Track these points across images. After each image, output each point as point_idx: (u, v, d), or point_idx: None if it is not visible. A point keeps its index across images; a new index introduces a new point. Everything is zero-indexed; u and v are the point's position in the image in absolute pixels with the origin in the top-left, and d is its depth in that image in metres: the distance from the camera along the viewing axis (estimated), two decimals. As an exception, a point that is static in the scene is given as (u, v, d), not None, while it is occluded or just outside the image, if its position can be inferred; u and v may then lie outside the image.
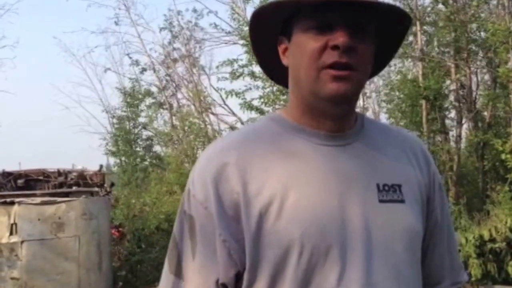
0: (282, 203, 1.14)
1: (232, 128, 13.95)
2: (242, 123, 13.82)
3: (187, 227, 1.23)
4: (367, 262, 1.14)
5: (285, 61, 1.24)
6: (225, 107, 13.86)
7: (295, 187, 1.15)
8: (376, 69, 1.30)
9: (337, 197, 1.16)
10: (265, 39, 1.27)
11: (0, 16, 14.74)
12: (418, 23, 10.46)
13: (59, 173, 8.29)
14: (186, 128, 14.27)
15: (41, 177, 8.06)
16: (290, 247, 1.12)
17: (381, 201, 1.19)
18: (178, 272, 1.23)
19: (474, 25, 10.61)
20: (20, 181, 7.73)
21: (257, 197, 1.15)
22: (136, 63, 15.20)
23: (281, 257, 1.13)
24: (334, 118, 1.21)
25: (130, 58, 15.39)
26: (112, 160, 15.70)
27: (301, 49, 1.17)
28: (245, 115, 13.35)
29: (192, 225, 1.22)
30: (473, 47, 10.86)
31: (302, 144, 1.20)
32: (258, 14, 1.22)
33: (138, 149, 15.63)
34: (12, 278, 6.73)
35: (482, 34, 10.48)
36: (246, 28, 12.56)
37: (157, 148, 15.96)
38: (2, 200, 7.00)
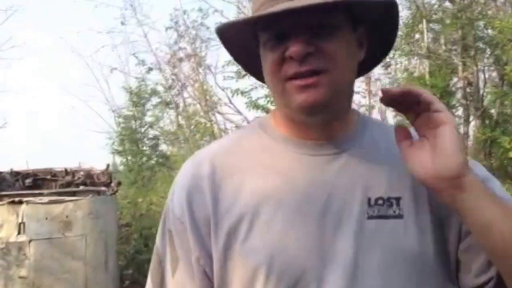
0: (252, 223, 1.07)
1: (238, 127, 13.95)
2: (248, 122, 13.81)
3: (168, 242, 1.20)
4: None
5: (264, 74, 1.15)
6: (231, 106, 13.87)
7: (269, 205, 1.07)
8: (376, 61, 1.22)
9: (316, 216, 1.06)
10: (241, 50, 1.19)
11: (8, 18, 14.79)
12: (424, 20, 10.43)
13: (66, 172, 8.33)
14: (192, 127, 14.27)
15: (48, 176, 8.10)
16: (256, 272, 1.05)
17: (370, 217, 1.05)
18: (163, 285, 1.20)
19: (481, 23, 10.54)
20: (28, 180, 7.77)
21: (226, 215, 1.10)
22: (142, 62, 15.22)
23: (248, 281, 1.06)
24: (316, 127, 1.11)
25: (136, 57, 15.44)
26: (118, 159, 15.74)
27: (264, 63, 1.10)
28: (251, 113, 13.32)
29: (171, 240, 1.19)
30: (481, 45, 10.79)
31: (287, 156, 1.12)
32: (222, 35, 1.13)
33: (144, 148, 15.65)
34: (20, 277, 6.77)
35: (490, 31, 10.42)
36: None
37: (163, 147, 15.98)
38: (10, 199, 7.04)
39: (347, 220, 1.05)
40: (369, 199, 1.06)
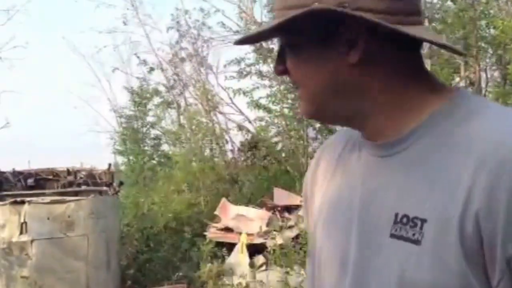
0: (318, 218, 1.15)
1: (240, 127, 13.95)
2: (250, 122, 13.81)
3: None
4: None
5: None
6: (233, 105, 13.86)
7: (328, 203, 1.13)
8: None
9: (345, 224, 1.05)
10: None
11: (10, 17, 14.78)
12: (426, 20, 10.43)
13: (68, 172, 8.34)
14: (193, 127, 14.27)
15: (50, 176, 8.11)
16: (313, 258, 1.16)
17: (392, 235, 0.95)
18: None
19: (483, 22, 10.55)
20: (30, 181, 7.78)
21: (315, 203, 1.19)
22: (144, 62, 15.21)
23: (317, 267, 1.15)
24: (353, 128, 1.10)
25: (138, 57, 15.38)
26: (120, 159, 15.74)
27: None
28: (253, 113, 13.32)
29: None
30: (483, 44, 10.80)
31: (356, 155, 1.10)
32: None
33: (146, 148, 15.65)
34: (22, 277, 6.78)
35: (492, 31, 10.43)
36: (254, 27, 12.55)
37: (165, 147, 15.96)
38: (13, 199, 7.05)
39: (369, 235, 1.00)
40: (396, 214, 0.96)
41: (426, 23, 10.55)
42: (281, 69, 1.07)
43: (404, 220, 0.94)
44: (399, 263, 0.94)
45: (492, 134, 0.90)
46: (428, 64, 11.09)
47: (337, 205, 1.09)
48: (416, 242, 0.91)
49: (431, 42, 1.00)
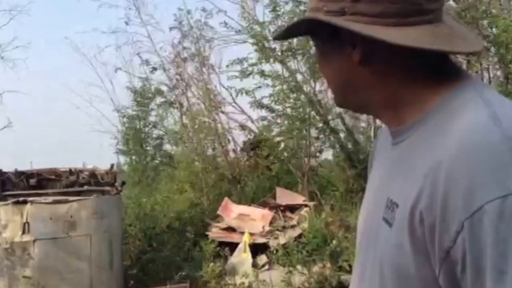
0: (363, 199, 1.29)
1: (242, 126, 13.94)
2: (252, 122, 13.80)
3: None
4: (362, 282, 1.17)
5: None
6: (235, 105, 13.86)
7: (368, 187, 1.29)
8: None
9: (366, 210, 1.23)
10: None
11: (12, 17, 14.81)
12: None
13: (70, 172, 8.34)
14: (196, 126, 14.27)
15: (53, 176, 8.12)
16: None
17: (383, 218, 1.07)
18: None
19: (485, 22, 10.53)
20: (32, 180, 7.78)
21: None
22: (146, 62, 15.22)
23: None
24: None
25: (140, 57, 15.38)
26: (122, 159, 15.73)
27: None
28: (255, 113, 13.31)
29: None
30: (485, 44, 10.77)
31: (387, 142, 1.22)
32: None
33: (148, 148, 15.65)
34: (25, 277, 6.78)
35: (494, 30, 10.40)
36: (256, 27, 12.54)
37: (167, 147, 15.95)
38: (15, 199, 7.06)
39: (377, 217, 1.12)
40: (387, 199, 1.08)
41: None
42: (319, 63, 1.23)
43: (389, 204, 1.05)
44: (381, 243, 1.06)
45: (459, 133, 0.95)
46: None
47: (368, 193, 1.26)
48: (390, 224, 1.03)
49: (410, 47, 1.02)
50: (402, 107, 1.10)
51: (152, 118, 15.73)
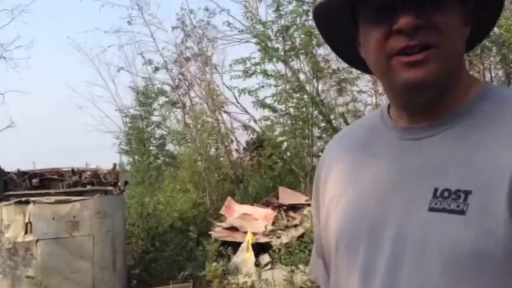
0: (339, 199, 1.17)
1: (245, 126, 13.95)
2: (255, 121, 13.81)
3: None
4: (387, 277, 1.03)
5: (362, 53, 1.11)
6: (238, 105, 13.87)
7: (352, 184, 1.15)
8: (480, 35, 1.16)
9: (380, 201, 1.07)
10: (337, 33, 1.16)
11: (14, 17, 14.85)
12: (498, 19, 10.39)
13: (73, 172, 8.36)
14: (199, 126, 14.30)
15: (55, 176, 8.13)
16: (333, 241, 1.16)
17: (431, 209, 0.99)
18: (316, 248, 1.32)
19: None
20: (34, 180, 7.80)
21: (330, 189, 1.21)
22: (149, 62, 15.25)
23: (333, 248, 1.17)
24: (413, 109, 1.08)
25: (143, 57, 15.43)
26: (125, 159, 15.76)
27: (367, 40, 1.05)
28: (258, 113, 13.32)
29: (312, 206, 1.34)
30: (487, 43, 10.74)
31: (381, 139, 1.14)
32: (319, 12, 1.12)
33: (151, 147, 15.67)
34: (28, 277, 6.80)
35: (496, 30, 10.38)
36: (259, 27, 12.55)
37: (170, 147, 15.98)
38: (17, 199, 7.08)
39: (406, 209, 1.03)
40: (435, 190, 1.00)
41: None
42: (422, 23, 0.98)
43: (446, 194, 0.98)
44: (441, 234, 0.97)
45: None
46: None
47: (366, 183, 1.12)
48: (461, 212, 0.96)
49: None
50: (450, 95, 1.06)
51: (155, 118, 15.77)
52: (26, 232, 6.93)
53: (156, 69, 15.33)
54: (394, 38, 0.99)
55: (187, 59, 14.93)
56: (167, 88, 15.63)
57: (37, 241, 6.96)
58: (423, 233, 0.99)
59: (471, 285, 0.95)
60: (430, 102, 1.05)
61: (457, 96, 1.06)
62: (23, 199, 7.04)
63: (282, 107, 12.79)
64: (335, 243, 1.14)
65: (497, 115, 1.01)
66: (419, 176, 1.03)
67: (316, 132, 12.50)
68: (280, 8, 12.04)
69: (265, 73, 12.56)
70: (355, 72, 11.35)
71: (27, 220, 6.92)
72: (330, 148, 1.29)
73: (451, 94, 1.06)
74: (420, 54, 0.98)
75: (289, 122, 12.89)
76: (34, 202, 7.01)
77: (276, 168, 12.83)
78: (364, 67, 1.15)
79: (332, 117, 12.64)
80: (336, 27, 1.14)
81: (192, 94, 15.30)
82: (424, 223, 1.00)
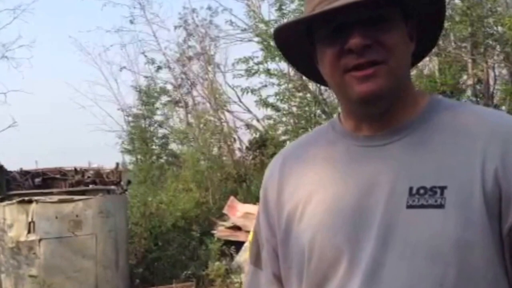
0: (304, 209, 1.18)
1: (248, 125, 13.94)
2: (258, 120, 13.79)
3: (259, 221, 1.34)
4: (375, 275, 1.07)
5: (320, 69, 1.20)
6: (241, 104, 13.86)
7: (318, 193, 1.17)
8: (424, 50, 1.26)
9: (355, 203, 1.12)
10: (297, 51, 1.25)
11: (16, 16, 14.86)
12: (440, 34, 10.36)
13: (76, 171, 8.36)
14: (201, 125, 14.29)
15: (58, 176, 8.14)
16: (303, 251, 1.16)
17: (409, 206, 1.06)
18: (257, 263, 1.33)
19: (491, 20, 10.47)
20: (37, 180, 7.80)
21: (288, 202, 1.22)
22: (152, 61, 15.25)
23: (300, 258, 1.17)
24: (372, 119, 1.16)
25: (146, 56, 15.42)
26: (127, 158, 15.77)
27: (323, 58, 1.15)
28: (261, 112, 13.32)
29: (257, 222, 1.34)
30: (490, 42, 10.71)
31: (340, 148, 1.19)
32: (279, 35, 1.22)
33: (153, 147, 15.68)
34: (31, 276, 6.81)
35: (500, 28, 10.34)
36: (262, 25, 12.54)
37: (173, 146, 15.97)
38: (20, 198, 7.08)
39: (384, 209, 1.08)
40: (411, 188, 1.07)
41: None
42: (370, 42, 1.07)
43: (421, 191, 1.06)
44: (422, 228, 1.05)
45: (487, 118, 1.12)
46: (435, 62, 11.03)
47: (335, 191, 1.15)
48: (440, 206, 1.04)
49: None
50: (403, 105, 1.16)
51: (157, 117, 15.77)
52: (29, 231, 6.94)
53: (159, 68, 15.34)
54: (346, 57, 1.09)
55: (190, 58, 14.93)
56: (169, 87, 15.64)
57: (40, 240, 6.97)
58: (404, 230, 1.06)
59: (457, 272, 1.03)
60: (384, 112, 1.14)
61: (408, 107, 1.16)
62: (26, 198, 7.04)
63: (285, 106, 12.78)
64: (308, 253, 1.15)
65: (448, 122, 1.12)
66: (391, 178, 1.09)
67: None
68: (283, 7, 12.04)
69: (268, 72, 12.55)
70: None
71: (30, 219, 6.93)
72: (275, 169, 1.29)
73: (403, 104, 1.15)
74: (370, 69, 1.08)
75: (292, 121, 12.87)
76: (37, 201, 7.01)
77: (279, 167, 12.79)
78: (322, 81, 1.23)
79: (335, 116, 12.62)
80: (295, 47, 1.23)
81: (195, 93, 15.30)
82: (404, 220, 1.06)
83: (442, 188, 1.05)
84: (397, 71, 1.11)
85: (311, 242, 1.14)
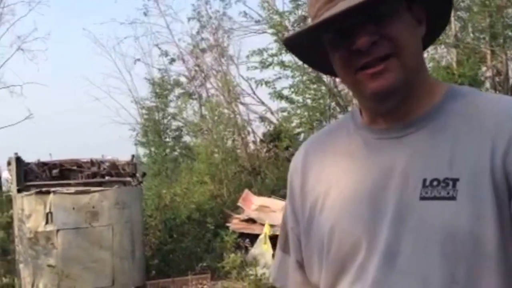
0: (324, 200, 1.21)
1: (262, 118, 13.90)
2: (272, 113, 13.75)
3: (285, 212, 1.39)
4: (390, 263, 1.09)
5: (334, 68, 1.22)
6: (254, 96, 13.81)
7: (337, 185, 1.20)
8: (438, 29, 1.26)
9: (370, 196, 1.14)
10: (312, 53, 1.26)
11: (32, 9, 14.91)
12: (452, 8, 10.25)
13: (92, 163, 8.36)
14: (215, 118, 14.25)
15: (74, 167, 8.14)
16: (323, 241, 1.19)
17: (422, 198, 1.07)
18: (285, 249, 1.36)
19: (510, 10, 10.35)
20: (54, 171, 7.82)
21: (310, 193, 1.25)
22: (165, 53, 15.23)
23: (320, 249, 1.20)
24: (387, 113, 1.17)
25: (159, 48, 15.39)
26: (141, 151, 15.78)
27: (333, 60, 1.17)
28: (275, 104, 13.27)
29: (285, 211, 1.38)
30: (510, 33, 10.59)
31: (358, 141, 1.21)
32: (290, 46, 1.25)
33: (167, 139, 15.68)
34: (49, 266, 6.84)
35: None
36: (276, 17, 12.47)
37: (186, 138, 15.97)
38: (38, 189, 7.10)
39: (399, 200, 1.09)
40: (424, 180, 1.08)
41: (452, 11, 10.37)
42: (376, 38, 1.08)
43: (434, 183, 1.06)
44: (435, 220, 1.06)
45: (500, 107, 1.11)
46: (454, 54, 10.92)
47: (353, 183, 1.17)
48: (453, 198, 1.04)
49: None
50: (419, 96, 1.16)
51: (171, 110, 15.76)
52: (47, 222, 6.97)
53: (172, 60, 15.32)
54: (355, 57, 1.10)
55: (203, 50, 14.88)
56: (183, 79, 15.62)
57: (57, 231, 6.99)
58: (417, 222, 1.07)
59: (469, 264, 1.04)
60: (400, 105, 1.14)
61: (424, 97, 1.16)
62: (44, 189, 7.07)
63: (299, 98, 12.73)
64: (327, 242, 1.18)
65: (463, 111, 1.12)
66: (406, 170, 1.11)
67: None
68: (297, -2, 11.97)
69: (282, 64, 12.50)
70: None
71: (47, 210, 6.95)
72: (298, 161, 1.32)
73: (418, 95, 1.15)
74: (380, 65, 1.08)
75: (306, 113, 12.82)
76: (55, 192, 7.03)
77: (293, 160, 12.76)
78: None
79: (349, 108, 12.55)
80: (309, 50, 1.23)
81: (208, 85, 15.27)
82: (417, 212, 1.08)
83: (455, 180, 1.06)
84: (407, 61, 1.10)
85: (330, 232, 1.17)
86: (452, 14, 10.57)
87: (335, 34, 1.12)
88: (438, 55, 11.78)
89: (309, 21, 1.18)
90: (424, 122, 1.14)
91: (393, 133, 1.16)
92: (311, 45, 1.20)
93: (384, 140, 1.17)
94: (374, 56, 1.08)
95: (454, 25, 10.48)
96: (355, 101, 12.82)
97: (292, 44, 1.24)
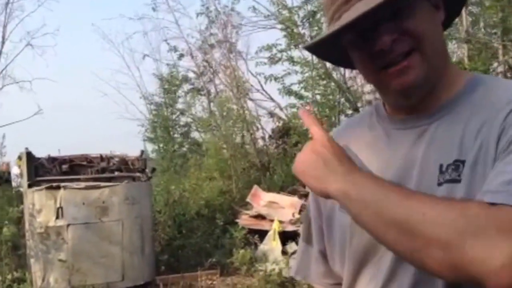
0: None
1: (271, 114, 13.86)
2: (281, 109, 13.71)
3: (308, 203, 1.42)
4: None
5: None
6: (263, 92, 13.77)
7: None
8: (456, 9, 1.27)
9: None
10: (331, 53, 1.28)
11: (41, 4, 14.94)
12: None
13: (101, 158, 8.36)
14: (224, 114, 14.23)
15: (84, 162, 8.14)
16: (346, 232, 1.21)
17: (439, 184, 1.09)
18: (308, 240, 1.39)
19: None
20: (64, 166, 7.82)
21: None
22: (174, 49, 15.22)
23: (343, 240, 1.23)
24: (408, 107, 1.19)
25: (168, 44, 15.39)
26: (149, 146, 15.79)
27: (354, 59, 1.18)
28: (284, 100, 13.22)
29: (309, 202, 1.42)
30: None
31: (380, 132, 1.24)
32: (313, 51, 1.30)
33: (176, 135, 15.69)
34: (60, 260, 6.86)
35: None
36: (285, 12, 12.42)
37: (195, 134, 15.98)
38: (48, 184, 7.11)
39: (418, 188, 1.10)
40: (441, 166, 1.09)
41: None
42: (396, 36, 1.08)
43: (451, 167, 1.08)
44: None
45: (509, 93, 1.10)
46: (465, 49, 10.84)
47: (377, 170, 1.17)
48: (458, 181, 1.06)
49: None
50: (440, 87, 1.17)
51: (179, 105, 15.76)
52: (57, 217, 6.98)
53: (181, 56, 15.31)
54: (377, 57, 1.11)
55: (212, 46, 14.85)
56: (191, 75, 15.60)
57: (68, 225, 7.00)
58: None
59: None
60: (423, 98, 1.16)
61: (445, 88, 1.17)
62: (54, 184, 7.08)
63: (308, 94, 12.68)
64: (350, 233, 1.20)
65: (481, 99, 1.13)
66: (425, 158, 1.12)
67: (343, 119, 12.37)
68: (307, -7, 11.91)
69: (291, 59, 12.45)
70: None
71: (58, 205, 6.96)
72: None
73: (440, 86, 1.16)
74: (404, 61, 1.09)
75: (315, 109, 12.77)
76: (65, 187, 7.04)
77: (302, 156, 12.71)
78: None
79: (359, 104, 12.49)
80: (326, 47, 1.23)
81: (217, 81, 15.25)
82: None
83: (463, 162, 1.07)
84: (430, 53, 1.11)
85: (352, 223, 1.16)
86: (463, 9, 10.48)
87: (354, 35, 1.13)
88: (450, 51, 11.70)
89: (323, 20, 1.17)
90: (443, 112, 1.16)
91: (414, 123, 1.18)
92: (329, 43, 1.21)
93: (405, 131, 1.19)
94: (396, 53, 1.09)
95: (465, 20, 10.40)
96: (364, 97, 12.74)
97: (316, 49, 1.27)
